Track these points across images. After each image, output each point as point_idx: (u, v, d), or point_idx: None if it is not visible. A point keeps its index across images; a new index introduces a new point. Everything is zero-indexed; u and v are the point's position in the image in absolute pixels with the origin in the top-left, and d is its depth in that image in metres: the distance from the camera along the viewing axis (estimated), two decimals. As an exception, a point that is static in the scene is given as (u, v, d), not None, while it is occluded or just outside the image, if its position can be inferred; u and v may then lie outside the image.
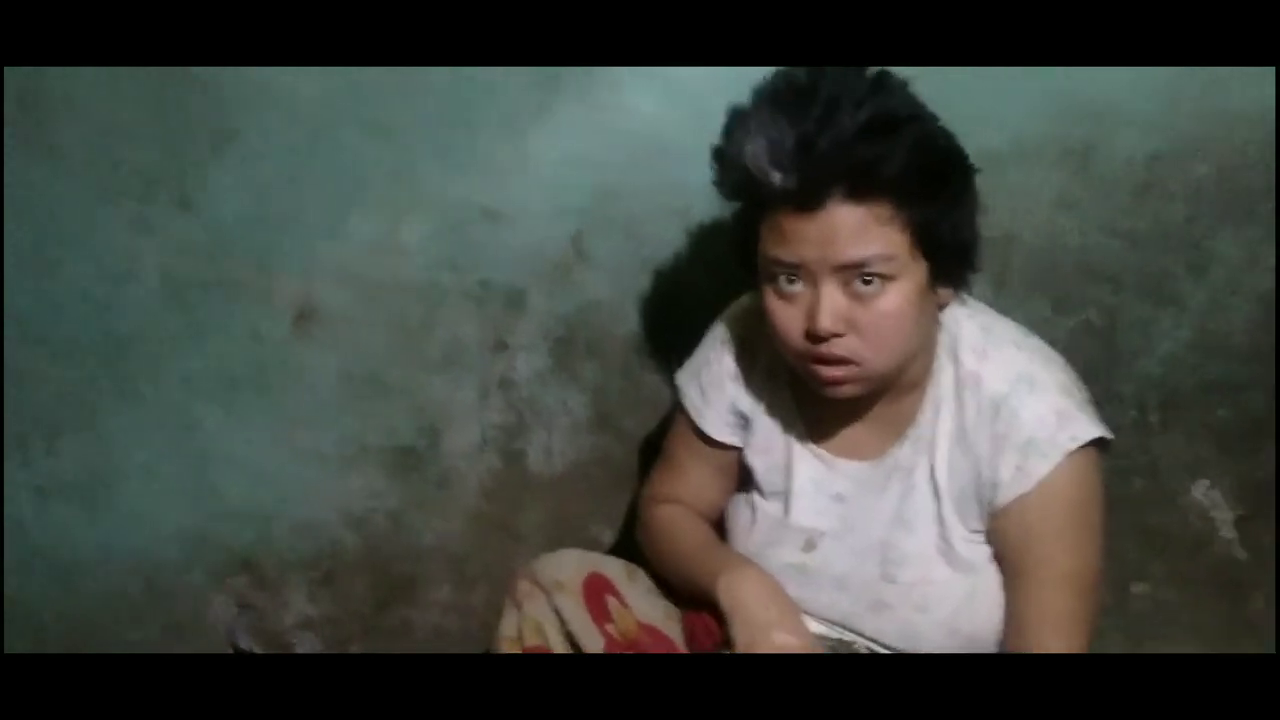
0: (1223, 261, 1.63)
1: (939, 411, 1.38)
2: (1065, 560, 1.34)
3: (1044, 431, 1.31)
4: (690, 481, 1.55)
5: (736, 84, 1.30)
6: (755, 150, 1.25)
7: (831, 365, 1.30)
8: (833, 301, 1.27)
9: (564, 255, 1.82)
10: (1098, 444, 1.34)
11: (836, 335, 1.28)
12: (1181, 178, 1.62)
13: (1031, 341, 1.40)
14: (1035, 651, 1.34)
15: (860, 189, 1.23)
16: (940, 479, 1.37)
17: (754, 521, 1.48)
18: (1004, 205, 1.65)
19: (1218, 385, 1.68)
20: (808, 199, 1.24)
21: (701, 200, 1.59)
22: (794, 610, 1.38)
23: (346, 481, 1.98)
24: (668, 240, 1.76)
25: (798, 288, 1.29)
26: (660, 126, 1.71)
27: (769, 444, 1.48)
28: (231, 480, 2.01)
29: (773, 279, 1.31)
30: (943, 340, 1.38)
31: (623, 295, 1.82)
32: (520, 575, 1.48)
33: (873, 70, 1.28)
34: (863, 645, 1.39)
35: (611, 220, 1.79)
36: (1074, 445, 1.31)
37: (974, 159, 1.62)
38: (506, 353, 1.89)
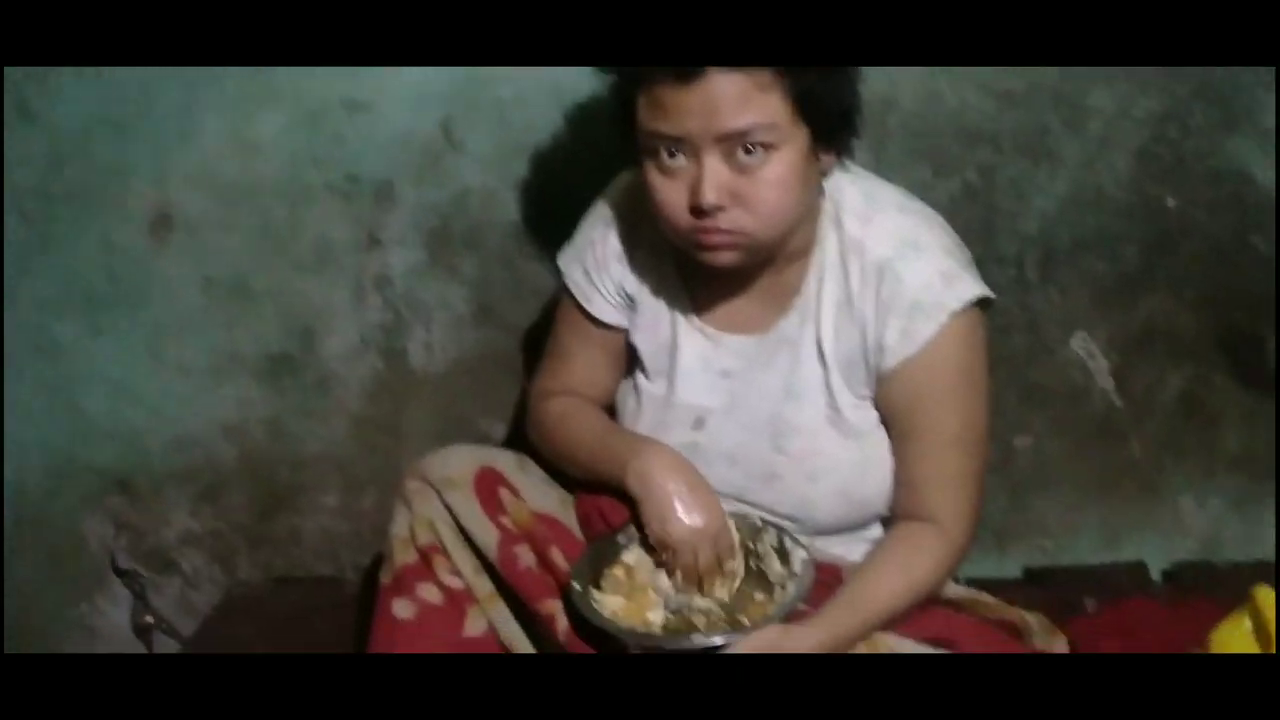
0: (1097, 116, 1.64)
1: (823, 280, 1.37)
2: (953, 420, 1.35)
3: (929, 293, 1.31)
4: (579, 369, 1.52)
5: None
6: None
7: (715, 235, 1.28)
8: (715, 174, 1.24)
9: (433, 143, 1.77)
10: (981, 304, 1.34)
11: (720, 208, 1.26)
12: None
13: (914, 205, 1.39)
14: (925, 509, 1.36)
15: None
16: (826, 348, 1.37)
17: (640, 405, 1.46)
18: (880, 69, 1.62)
19: (1093, 239, 1.70)
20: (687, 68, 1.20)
21: (574, 78, 1.54)
22: (704, 487, 1.37)
23: (219, 392, 1.92)
24: (541, 122, 1.71)
25: (679, 162, 1.26)
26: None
27: (655, 323, 1.46)
28: (97, 399, 1.93)
29: (653, 154, 1.28)
30: (826, 208, 1.37)
31: (498, 182, 1.78)
32: (409, 474, 1.44)
33: None
34: (758, 516, 1.40)
35: (481, 104, 1.73)
36: (958, 305, 1.31)
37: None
38: (380, 249, 1.83)
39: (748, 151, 1.24)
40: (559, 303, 1.54)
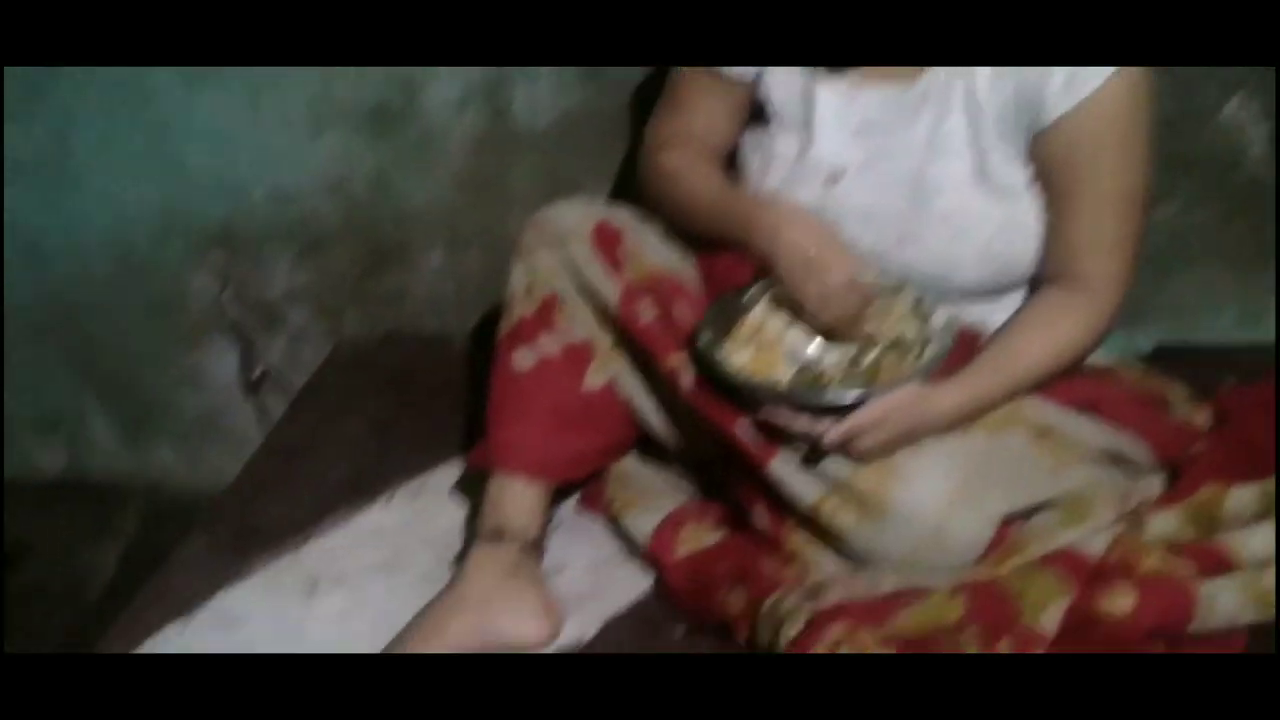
0: None
1: None
2: (1113, 180, 1.26)
3: None
4: (698, 120, 1.43)
5: None
6: None
7: None
8: None
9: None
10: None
11: None
12: None
13: None
14: (1076, 272, 1.28)
15: None
16: (980, 98, 1.27)
17: (767, 161, 1.38)
18: None
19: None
20: None
21: None
22: (837, 242, 1.29)
23: (319, 145, 1.87)
24: None
25: None
26: None
27: (787, 72, 1.36)
28: (196, 151, 1.90)
29: None
30: None
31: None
32: (527, 227, 1.41)
33: None
34: (896, 276, 1.33)
35: None
36: None
37: None
38: (484, -3, 1.74)
39: None
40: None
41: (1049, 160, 1.27)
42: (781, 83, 1.37)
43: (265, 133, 1.86)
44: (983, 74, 1.27)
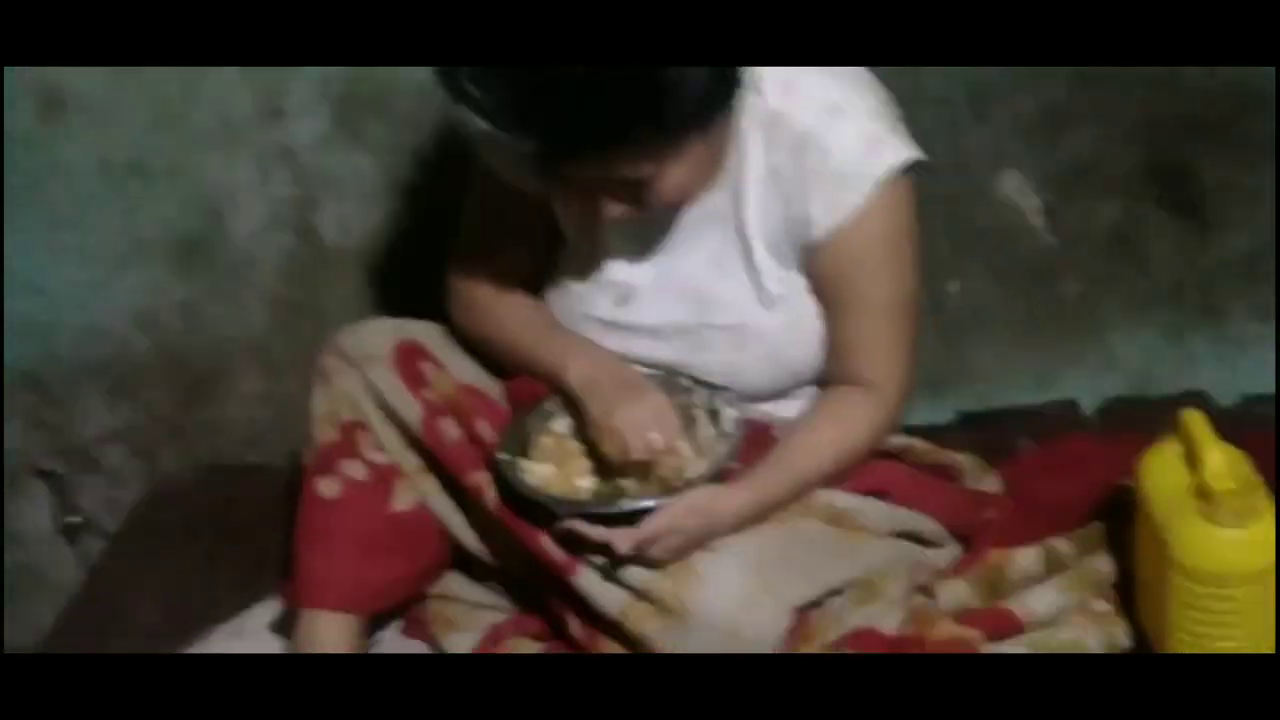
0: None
1: (745, 154, 1.30)
2: (883, 290, 1.32)
3: (853, 162, 1.26)
4: (500, 240, 1.45)
5: None
6: (476, 109, 1.14)
7: None
8: (613, 206, 1.23)
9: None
10: (911, 166, 1.29)
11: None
12: None
13: None
14: (858, 375, 1.34)
15: (611, 152, 1.16)
16: (751, 224, 1.32)
17: (563, 279, 1.41)
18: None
19: (1020, 76, 1.64)
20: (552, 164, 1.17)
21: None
22: (640, 386, 1.33)
23: (127, 279, 1.84)
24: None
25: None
26: None
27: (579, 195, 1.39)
28: (-4, 293, 1.85)
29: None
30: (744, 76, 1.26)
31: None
32: (326, 351, 1.41)
33: None
34: (687, 378, 1.36)
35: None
36: (884, 172, 1.26)
37: None
38: (283, 119, 1.75)
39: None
40: (480, 171, 1.44)
41: (821, 275, 1.32)
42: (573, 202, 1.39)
43: (69, 270, 1.83)
44: (752, 199, 1.31)
